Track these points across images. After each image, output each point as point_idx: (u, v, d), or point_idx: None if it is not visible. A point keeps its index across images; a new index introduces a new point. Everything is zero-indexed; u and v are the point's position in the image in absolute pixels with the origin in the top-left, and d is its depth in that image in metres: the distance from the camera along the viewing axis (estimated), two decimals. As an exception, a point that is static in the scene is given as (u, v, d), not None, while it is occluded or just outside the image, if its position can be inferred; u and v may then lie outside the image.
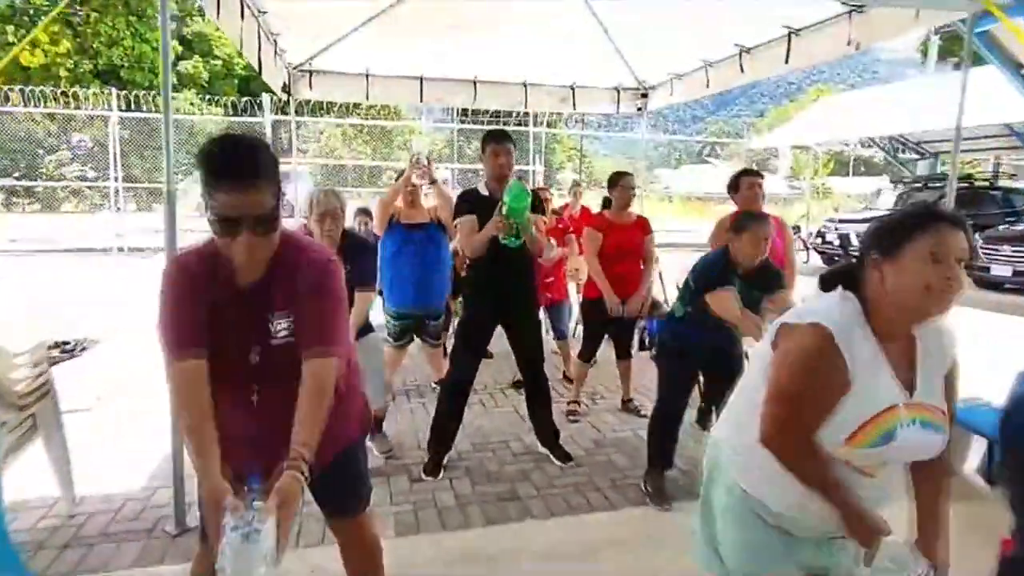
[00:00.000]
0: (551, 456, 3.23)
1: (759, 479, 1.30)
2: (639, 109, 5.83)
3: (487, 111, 11.63)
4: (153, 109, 11.98)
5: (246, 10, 3.37)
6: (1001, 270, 9.10)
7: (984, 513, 1.81)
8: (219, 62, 22.27)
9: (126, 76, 19.94)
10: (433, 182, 3.45)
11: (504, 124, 11.31)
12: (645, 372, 4.57)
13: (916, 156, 15.17)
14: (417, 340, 3.91)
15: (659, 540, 2.57)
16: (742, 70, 4.33)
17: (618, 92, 5.74)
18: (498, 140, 3.01)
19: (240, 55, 3.73)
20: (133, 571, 2.25)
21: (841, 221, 12.15)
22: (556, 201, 6.19)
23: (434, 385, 4.24)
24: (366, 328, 2.93)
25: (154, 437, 3.06)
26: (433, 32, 4.28)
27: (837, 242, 11.68)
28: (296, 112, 5.55)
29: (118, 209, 12.07)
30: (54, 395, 2.54)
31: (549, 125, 14.93)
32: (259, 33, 3.72)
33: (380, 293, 3.77)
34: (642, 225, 3.78)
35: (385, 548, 1.88)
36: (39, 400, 2.42)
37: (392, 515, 2.66)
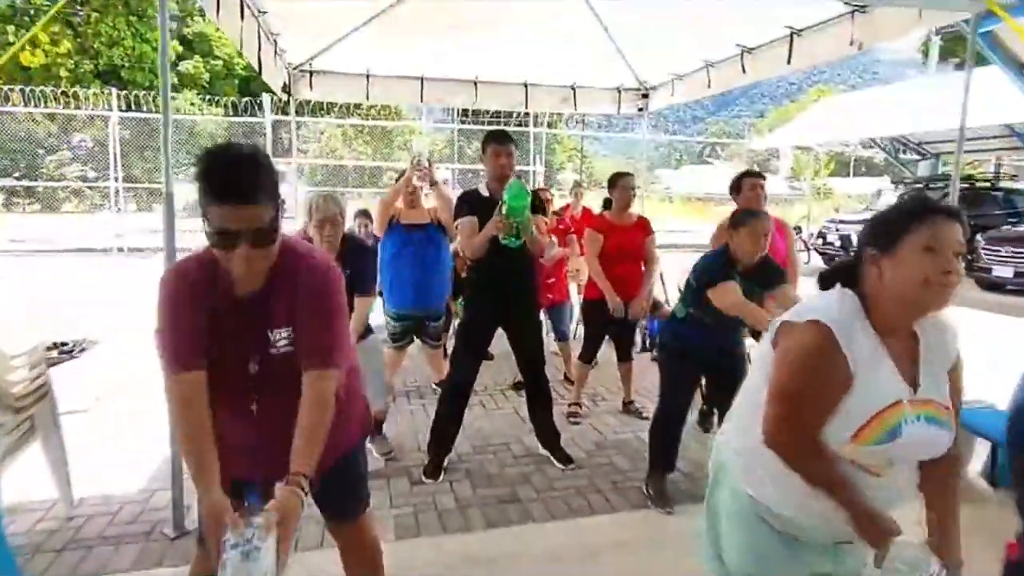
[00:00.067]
0: (552, 458, 3.21)
1: (764, 482, 1.29)
2: (640, 109, 5.81)
3: (487, 111, 11.62)
4: (153, 109, 11.98)
5: (246, 10, 3.36)
6: (1003, 271, 9.07)
7: (988, 516, 1.80)
8: (219, 62, 22.26)
9: (127, 76, 19.94)
10: (434, 184, 3.44)
11: (504, 124, 11.30)
12: (647, 374, 4.56)
13: (917, 157, 15.17)
14: (417, 341, 3.90)
15: (660, 543, 2.55)
16: (744, 70, 4.31)
17: (619, 92, 5.72)
18: (499, 141, 2.99)
19: (240, 55, 3.72)
20: (131, 574, 2.23)
21: (842, 222, 12.14)
22: (557, 202, 6.17)
23: (434, 386, 4.22)
24: (366, 330, 2.91)
25: (153, 438, 3.05)
26: (433, 32, 4.27)
27: (838, 243, 11.66)
28: (296, 112, 5.54)
29: (118, 209, 12.05)
30: (52, 397, 2.53)
31: (550, 126, 14.93)
32: (259, 33, 3.70)
33: (380, 294, 3.76)
34: (643, 226, 3.76)
35: (385, 551, 1.87)
36: (37, 402, 2.41)
37: (392, 518, 2.64)
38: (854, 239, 11.00)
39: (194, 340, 1.38)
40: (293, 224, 5.00)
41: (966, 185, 10.86)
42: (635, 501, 2.85)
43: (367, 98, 5.33)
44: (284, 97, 5.02)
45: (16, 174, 15.96)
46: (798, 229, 12.48)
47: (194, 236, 1.57)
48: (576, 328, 4.99)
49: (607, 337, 3.93)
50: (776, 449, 1.21)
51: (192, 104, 19.19)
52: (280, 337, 1.44)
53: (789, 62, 3.85)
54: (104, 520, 2.55)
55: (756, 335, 3.09)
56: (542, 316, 4.02)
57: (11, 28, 18.26)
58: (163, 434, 2.52)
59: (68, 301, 6.81)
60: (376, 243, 3.73)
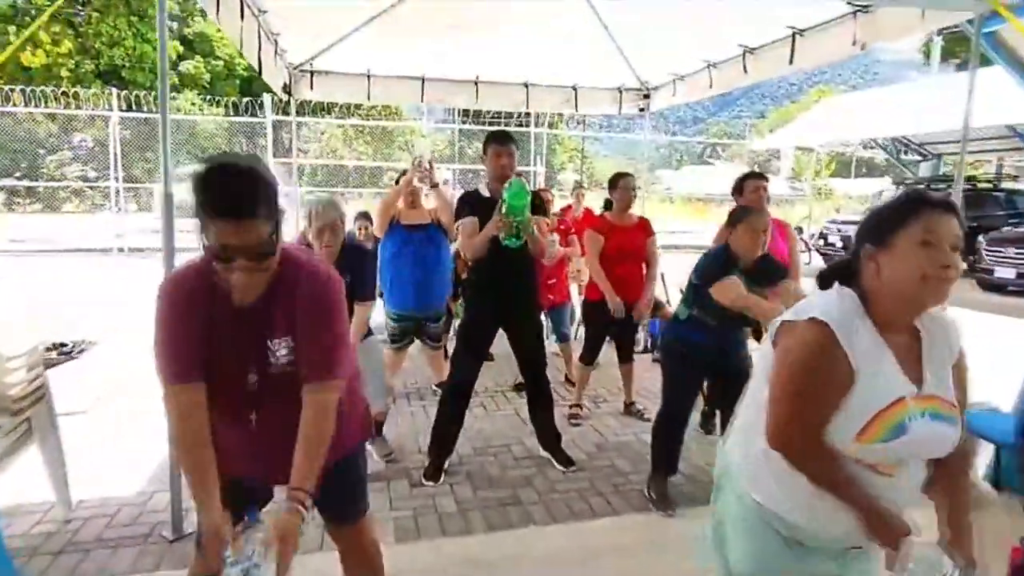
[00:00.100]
0: (553, 460, 3.20)
1: (770, 487, 1.27)
2: (641, 110, 5.79)
3: (488, 112, 11.61)
4: (154, 109, 11.96)
5: (246, 9, 3.34)
6: (1005, 272, 9.06)
7: (992, 519, 1.78)
8: (220, 62, 22.25)
9: (127, 76, 19.94)
10: (435, 185, 3.43)
11: (505, 125, 11.28)
12: (648, 375, 4.54)
13: (919, 157, 15.14)
14: (417, 342, 3.89)
15: (662, 546, 2.54)
16: (746, 71, 4.29)
17: (620, 93, 5.71)
18: (500, 141, 2.98)
19: (241, 55, 3.71)
20: (129, 577, 2.22)
21: (843, 222, 12.13)
22: (557, 203, 6.16)
23: (434, 387, 4.21)
24: (366, 332, 2.90)
25: (152, 439, 3.02)
26: (434, 32, 4.25)
27: (840, 243, 11.65)
28: (297, 112, 5.52)
29: (118, 210, 12.05)
30: (49, 399, 2.52)
31: (550, 126, 14.92)
32: (259, 33, 3.69)
33: (380, 295, 3.74)
34: (644, 227, 3.74)
35: (384, 554, 1.85)
36: (34, 404, 2.39)
37: (392, 520, 2.63)
38: (855, 240, 10.99)
39: (192, 352, 1.36)
40: (293, 225, 4.99)
41: (968, 186, 10.84)
42: (636, 504, 2.83)
43: (368, 98, 5.31)
44: (285, 97, 5.01)
45: (17, 174, 15.96)
46: (799, 230, 12.47)
47: (193, 236, 1.55)
48: (577, 329, 4.98)
49: (608, 338, 3.91)
50: (780, 449, 1.20)
51: (193, 104, 19.19)
52: (280, 349, 1.42)
53: (791, 62, 3.83)
54: (102, 522, 2.54)
55: (758, 336, 3.07)
56: (543, 317, 4.01)
57: (12, 28, 18.26)
58: (162, 435, 2.49)
59: (68, 301, 6.81)
60: (376, 244, 3.72)
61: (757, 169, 12.69)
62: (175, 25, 22.11)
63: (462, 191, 3.27)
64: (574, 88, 5.56)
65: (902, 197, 1.21)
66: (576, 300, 4.93)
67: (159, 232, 2.45)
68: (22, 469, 2.46)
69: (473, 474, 3.09)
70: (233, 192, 1.26)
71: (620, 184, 3.68)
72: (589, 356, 3.87)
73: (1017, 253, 8.95)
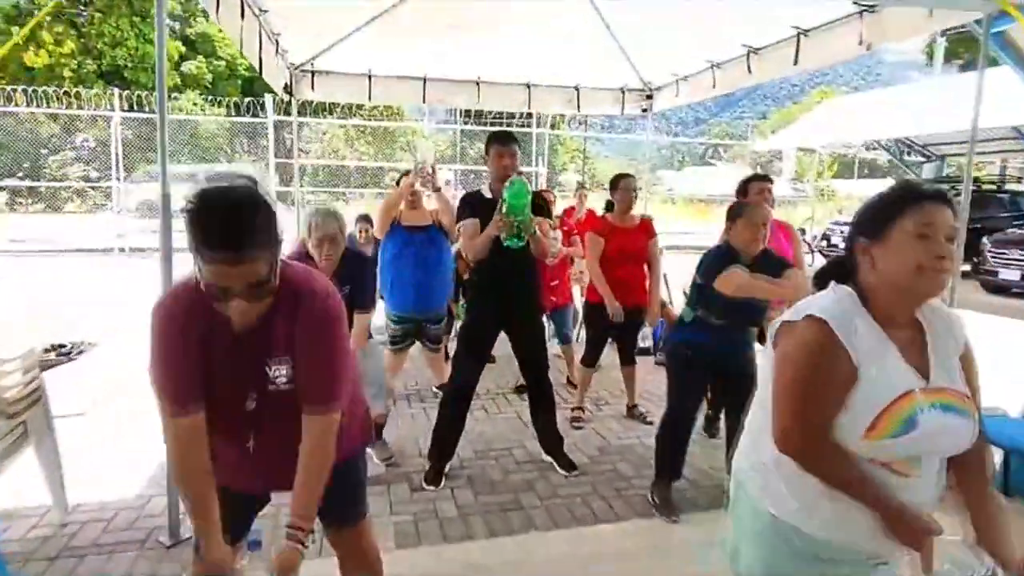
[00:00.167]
0: (555, 465, 3.16)
1: (785, 497, 1.23)
2: (644, 110, 5.76)
3: (490, 112, 11.60)
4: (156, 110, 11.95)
5: (246, 9, 3.32)
6: (1009, 274, 9.01)
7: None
8: (222, 63, 22.27)
9: (130, 76, 19.94)
10: (437, 189, 3.41)
11: (507, 126, 11.27)
12: (651, 378, 4.51)
13: (922, 159, 15.09)
14: (418, 343, 3.86)
15: (665, 551, 2.51)
16: (749, 71, 4.26)
17: (623, 93, 5.68)
18: (502, 142, 2.95)
19: (241, 55, 3.69)
20: (125, 583, 2.19)
21: (846, 224, 12.04)
22: (559, 204, 6.13)
23: (435, 390, 4.18)
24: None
25: (151, 441, 2.98)
26: (435, 32, 4.23)
27: (843, 245, 11.55)
28: (299, 113, 5.50)
29: (119, 210, 12.04)
30: (45, 401, 2.49)
31: (552, 127, 14.90)
32: (260, 32, 3.66)
33: (381, 296, 3.71)
34: (646, 228, 3.71)
35: (384, 560, 1.83)
36: (30, 407, 2.37)
37: (392, 525, 2.60)
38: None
39: (191, 382, 1.33)
40: (293, 225, 4.95)
41: (972, 187, 10.78)
42: (639, 509, 2.80)
43: (369, 99, 5.29)
44: (286, 97, 4.99)
45: (19, 174, 15.97)
46: (802, 231, 12.42)
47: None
48: (579, 331, 4.94)
49: (610, 340, 3.88)
50: (788, 451, 1.17)
51: (195, 104, 19.20)
52: (279, 372, 1.39)
53: (796, 63, 3.79)
54: (99, 527, 2.51)
55: (763, 337, 3.04)
56: (545, 319, 3.98)
57: (15, 28, 18.26)
58: (161, 437, 2.48)
59: (68, 301, 6.79)
60: (377, 246, 3.69)
61: (759, 170, 12.68)
62: (177, 25, 22.13)
63: (464, 192, 3.24)
64: (576, 88, 5.53)
65: (895, 190, 1.20)
66: (579, 302, 4.90)
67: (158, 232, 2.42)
68: (18, 473, 2.44)
69: (474, 478, 3.05)
70: (229, 233, 1.19)
71: (621, 185, 3.65)
72: (590, 358, 3.84)
73: (1021, 255, 8.90)
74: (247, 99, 13.37)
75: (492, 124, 11.63)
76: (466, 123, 14.06)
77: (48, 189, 16.42)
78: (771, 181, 3.24)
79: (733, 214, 2.59)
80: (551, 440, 3.22)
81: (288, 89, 4.85)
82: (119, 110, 11.68)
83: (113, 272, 9.35)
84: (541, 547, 2.50)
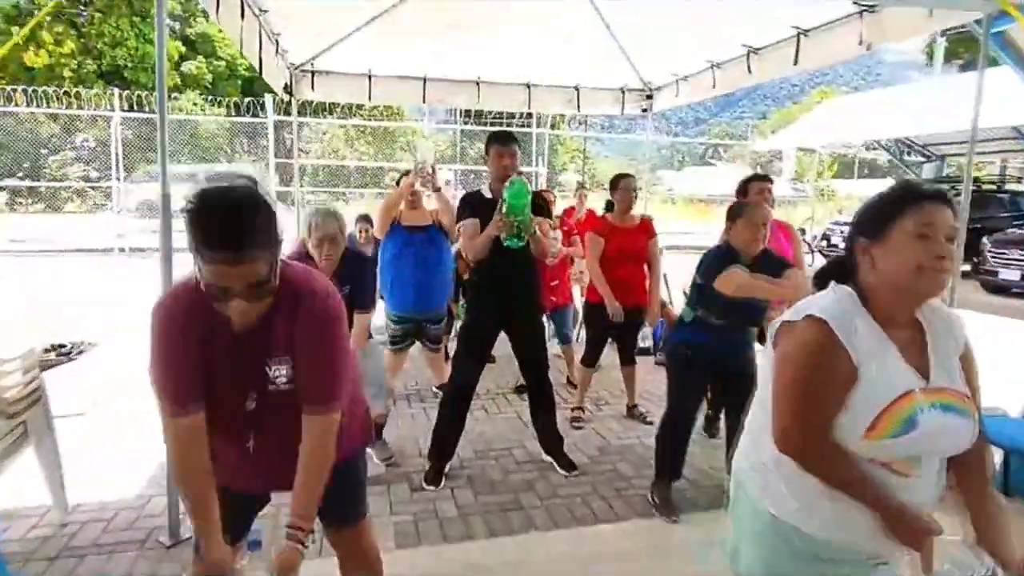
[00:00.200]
0: (555, 465, 3.16)
1: (785, 497, 1.23)
2: (644, 111, 5.76)
3: (490, 112, 11.59)
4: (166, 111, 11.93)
5: (246, 9, 3.31)
6: (1009, 274, 9.00)
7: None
8: (222, 63, 22.27)
9: (130, 77, 19.94)
10: (436, 189, 3.41)
11: (507, 126, 11.27)
12: (651, 377, 4.51)
13: (922, 159, 15.09)
14: (418, 343, 3.86)
15: (665, 551, 2.51)
16: (750, 71, 4.26)
17: (623, 93, 5.68)
18: (503, 142, 2.95)
19: (242, 55, 3.69)
20: (125, 583, 2.19)
21: (846, 224, 12.04)
22: (559, 204, 6.13)
23: (435, 390, 4.18)
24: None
25: (151, 440, 2.98)
26: (435, 32, 4.22)
27: (843, 245, 11.55)
28: (299, 113, 5.50)
29: (119, 210, 12.04)
30: (45, 401, 2.49)
31: (552, 127, 14.90)
32: (260, 32, 3.66)
33: (381, 296, 3.71)
34: (646, 228, 3.71)
35: (384, 560, 1.83)
36: (30, 407, 2.37)
37: (392, 525, 2.60)
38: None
39: (191, 383, 1.33)
40: (293, 226, 4.94)
41: (972, 188, 10.77)
42: (639, 509, 2.80)
43: (369, 99, 5.29)
44: (286, 97, 4.99)
45: (19, 174, 15.97)
46: (802, 231, 12.41)
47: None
48: (579, 331, 4.94)
49: (610, 340, 3.88)
50: (787, 451, 1.17)
51: (195, 104, 19.19)
52: (279, 372, 1.39)
53: (796, 63, 3.79)
54: (99, 527, 2.51)
55: (763, 337, 3.04)
56: (545, 319, 3.98)
57: (16, 29, 18.26)
58: (161, 436, 2.48)
59: (69, 301, 6.79)
60: (377, 246, 3.69)
61: (759, 170, 12.67)
62: (177, 26, 22.12)
63: (464, 192, 3.24)
64: (576, 88, 5.53)
65: (895, 189, 1.20)
66: (579, 302, 4.89)
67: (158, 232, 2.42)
68: (18, 473, 2.44)
69: (474, 478, 3.05)
70: (229, 233, 1.19)
71: (621, 185, 3.65)
72: (590, 358, 3.84)
73: (1021, 255, 8.89)
74: (247, 99, 13.37)
75: (492, 124, 11.63)
76: (466, 123, 14.05)
77: (48, 189, 16.42)
78: (771, 181, 3.24)
79: (733, 214, 2.59)
80: (551, 440, 3.22)
81: (288, 89, 4.84)
82: (119, 110, 11.68)
83: (113, 272, 9.35)
84: (541, 547, 2.50)
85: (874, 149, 17.89)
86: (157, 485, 2.76)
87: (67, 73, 19.02)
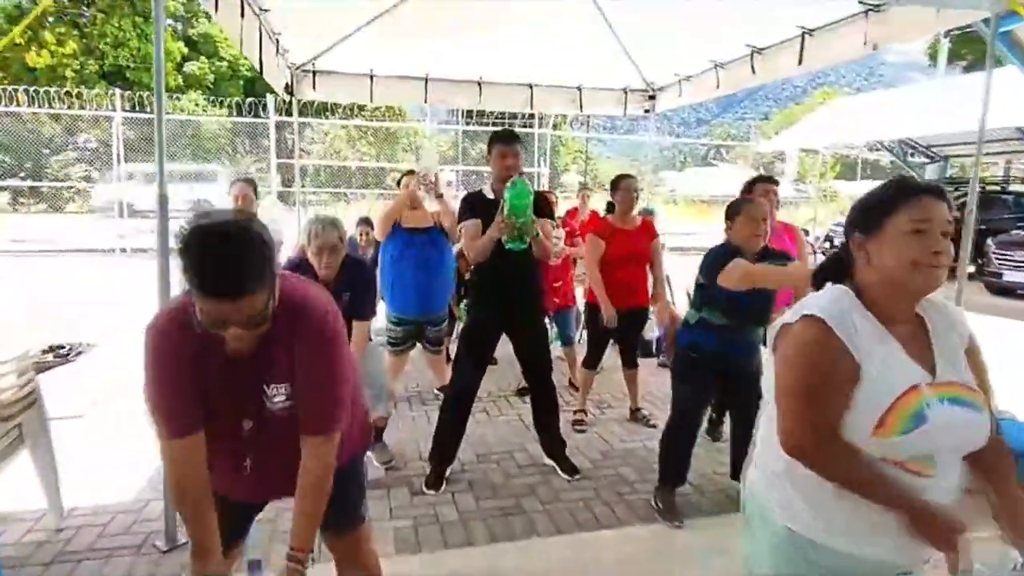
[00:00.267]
0: (557, 469, 3.13)
1: (800, 508, 1.19)
2: (647, 111, 5.73)
3: (492, 113, 11.56)
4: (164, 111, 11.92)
5: (246, 8, 3.29)
6: (1014, 276, 8.96)
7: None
8: (224, 63, 22.29)
9: (132, 77, 19.96)
10: (439, 196, 3.38)
11: (509, 126, 11.23)
12: (653, 380, 4.47)
13: (926, 160, 15.03)
14: (419, 345, 3.83)
15: (668, 557, 2.48)
16: (753, 71, 4.22)
17: (625, 93, 5.65)
18: (506, 141, 2.91)
19: (242, 54, 3.68)
20: (121, 589, 2.16)
21: (849, 225, 12.00)
22: (561, 204, 6.10)
23: (436, 391, 4.15)
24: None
25: (149, 443, 2.96)
26: (437, 32, 4.20)
27: (845, 244, 11.53)
28: (300, 113, 5.48)
29: (120, 211, 12.02)
30: (41, 404, 2.46)
31: (554, 127, 14.89)
32: (260, 32, 3.64)
33: (381, 297, 3.69)
34: (647, 229, 3.68)
35: (383, 566, 1.81)
36: (25, 410, 2.34)
37: (392, 530, 2.56)
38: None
39: (186, 405, 1.30)
40: (294, 226, 4.93)
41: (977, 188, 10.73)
42: (643, 514, 2.76)
43: (371, 99, 5.27)
44: (287, 98, 4.96)
45: (21, 174, 15.98)
46: (805, 232, 12.36)
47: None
48: (581, 333, 4.91)
49: (612, 342, 3.85)
50: (795, 454, 1.14)
51: (197, 105, 19.20)
52: (277, 394, 1.36)
53: (800, 63, 3.76)
54: (94, 531, 2.48)
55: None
56: (548, 321, 3.94)
57: (17, 29, 18.29)
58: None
59: (69, 301, 6.77)
60: (377, 248, 3.67)
61: (762, 171, 12.63)
62: (179, 26, 22.14)
63: (466, 193, 3.21)
64: (579, 89, 5.50)
65: (890, 184, 1.19)
66: (582, 303, 4.86)
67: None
68: (13, 476, 2.41)
69: (475, 482, 3.02)
70: (225, 270, 1.15)
71: (622, 186, 3.62)
72: (592, 360, 3.81)
73: (1027, 256, 8.85)
74: (249, 99, 13.36)
75: (494, 125, 11.60)
76: (468, 124, 14.02)
77: (50, 189, 16.43)
78: (776, 183, 3.20)
79: (732, 212, 2.56)
80: (554, 444, 3.18)
81: (289, 89, 4.82)
82: (120, 110, 11.68)
83: (114, 272, 9.33)
84: (543, 553, 2.46)
85: (877, 150, 17.83)
86: (154, 489, 2.73)
87: (69, 73, 19.05)
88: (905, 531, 1.08)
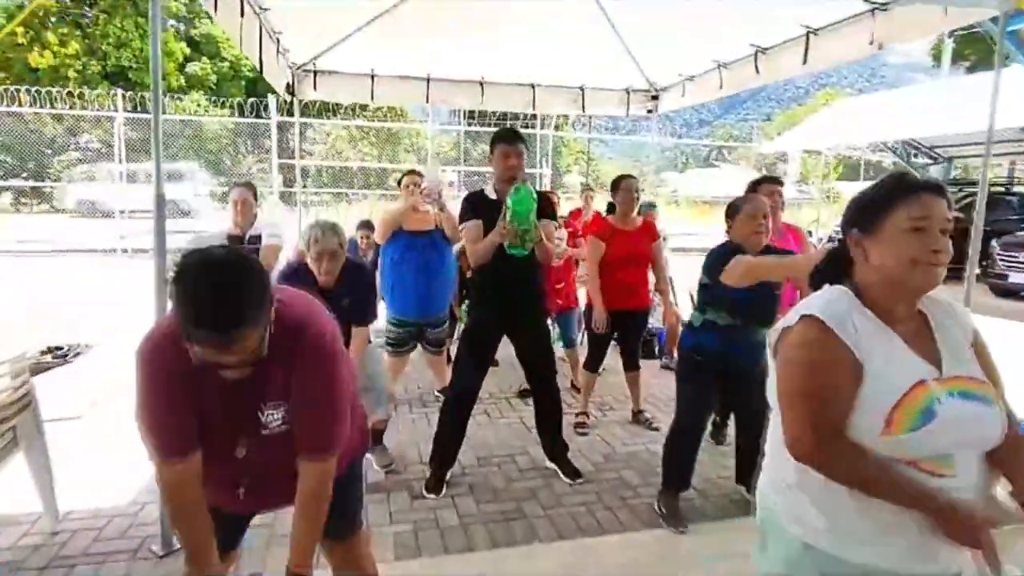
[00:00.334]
0: (559, 472, 3.09)
1: (813, 518, 1.15)
2: (649, 111, 5.70)
3: (494, 113, 11.54)
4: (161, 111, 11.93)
5: (246, 7, 3.26)
6: (1018, 277, 8.91)
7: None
8: (226, 64, 22.32)
9: (134, 78, 19.98)
10: (442, 208, 3.36)
11: (511, 127, 11.20)
12: (656, 382, 4.44)
13: (929, 161, 14.98)
14: (419, 346, 3.80)
15: (672, 562, 2.44)
16: (757, 71, 4.19)
17: (628, 94, 5.62)
18: (508, 140, 2.86)
19: (242, 54, 3.66)
20: (116, 594, 2.13)
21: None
22: (564, 205, 6.08)
23: (437, 393, 4.11)
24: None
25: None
26: (438, 32, 4.18)
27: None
28: (302, 114, 5.46)
29: (121, 212, 12.02)
30: (35, 406, 2.43)
31: (557, 128, 14.86)
32: (260, 31, 3.61)
33: (381, 298, 3.66)
34: (649, 230, 3.64)
35: (382, 572, 1.78)
36: (19, 412, 2.31)
37: (392, 535, 2.53)
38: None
39: (180, 427, 1.27)
40: (295, 226, 4.90)
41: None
42: (646, 519, 2.72)
43: (372, 98, 5.25)
44: (288, 97, 4.94)
45: (24, 175, 15.99)
46: (809, 233, 12.31)
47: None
48: (583, 335, 4.87)
49: (613, 343, 3.81)
50: (802, 458, 1.11)
51: (199, 105, 19.22)
52: (273, 416, 1.32)
53: (805, 62, 3.73)
54: (90, 535, 2.45)
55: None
56: (550, 322, 3.91)
57: (20, 29, 18.31)
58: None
59: (70, 302, 6.75)
60: (378, 252, 3.65)
61: (764, 172, 12.58)
62: (181, 27, 22.17)
63: (466, 193, 3.18)
64: (581, 89, 5.48)
65: (889, 181, 1.16)
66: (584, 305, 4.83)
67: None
68: (8, 479, 2.38)
69: (476, 486, 2.98)
70: (219, 312, 1.11)
71: (623, 186, 3.58)
72: (593, 362, 3.77)
73: (1032, 258, 8.79)
74: (251, 99, 13.36)
75: (496, 125, 11.57)
76: (470, 124, 14.00)
77: (52, 190, 16.45)
78: (781, 183, 3.15)
79: (732, 211, 2.52)
80: (556, 447, 3.14)
81: (290, 89, 4.80)
82: (122, 111, 11.67)
83: (115, 272, 9.32)
84: (544, 559, 2.42)
85: (880, 151, 17.77)
86: (151, 492, 2.69)
87: (72, 74, 19.09)
88: (924, 531, 1.04)
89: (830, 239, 12.44)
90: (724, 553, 2.39)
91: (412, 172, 3.67)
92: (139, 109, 12.07)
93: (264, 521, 2.31)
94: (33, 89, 11.98)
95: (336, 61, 4.77)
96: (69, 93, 12.60)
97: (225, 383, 1.25)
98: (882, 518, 1.07)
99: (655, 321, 4.86)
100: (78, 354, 4.65)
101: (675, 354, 3.41)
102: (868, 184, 1.24)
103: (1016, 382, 1.92)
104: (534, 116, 12.38)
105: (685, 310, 3.56)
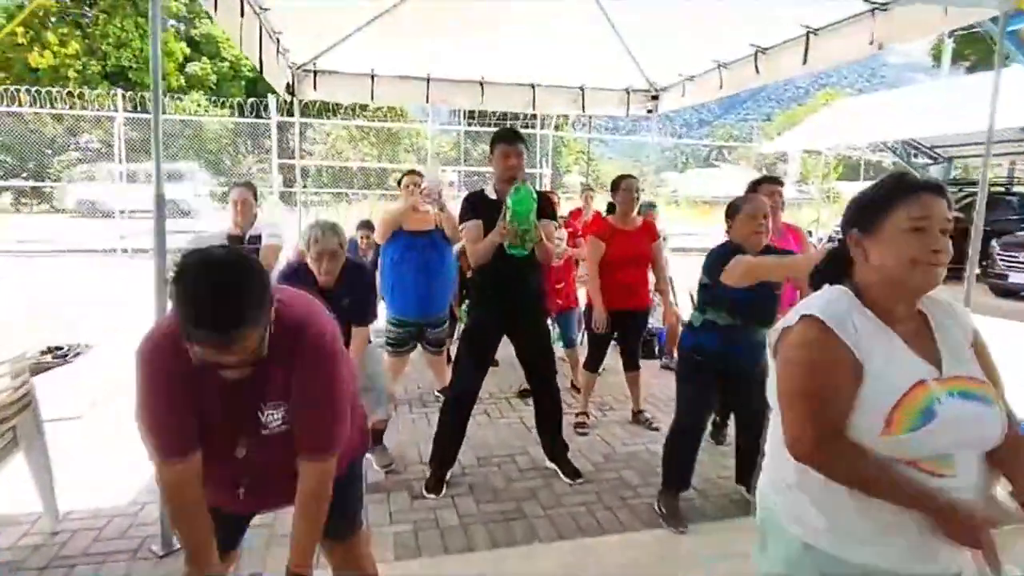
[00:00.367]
0: (559, 472, 3.09)
1: (813, 518, 1.15)
2: (649, 111, 5.70)
3: (494, 113, 11.55)
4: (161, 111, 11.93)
5: (246, 7, 3.26)
6: (1018, 277, 8.91)
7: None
8: (226, 64, 22.32)
9: (134, 78, 19.98)
10: (442, 209, 3.36)
11: (511, 127, 11.20)
12: (656, 382, 4.44)
13: (929, 161, 14.97)
14: (419, 346, 3.80)
15: (672, 562, 2.44)
16: (757, 71, 4.19)
17: (628, 94, 5.62)
18: (508, 140, 2.86)
19: (242, 54, 3.66)
20: (116, 594, 2.13)
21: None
22: (564, 205, 6.07)
23: (437, 393, 4.11)
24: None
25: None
26: (438, 32, 4.18)
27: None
28: (302, 114, 5.46)
29: (121, 212, 12.02)
30: (35, 406, 2.43)
31: (557, 128, 14.87)
32: (260, 31, 3.61)
33: (382, 298, 3.66)
34: (649, 230, 3.64)
35: (382, 571, 1.78)
36: (19, 412, 2.31)
37: (392, 535, 2.53)
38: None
39: (180, 427, 1.27)
40: (295, 226, 4.90)
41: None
42: (646, 519, 2.72)
43: (372, 98, 5.25)
44: (288, 97, 4.94)
45: (24, 175, 15.99)
46: (809, 233, 12.30)
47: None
48: (582, 335, 4.87)
49: (613, 343, 3.81)
50: (802, 458, 1.11)
51: (199, 105, 19.22)
52: (274, 416, 1.32)
53: (805, 62, 3.73)
54: (90, 535, 2.45)
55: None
56: (551, 322, 3.91)
57: (20, 29, 18.32)
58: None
59: (70, 302, 6.75)
60: (378, 252, 3.65)
61: (764, 172, 12.58)
62: (181, 27, 22.16)
63: (466, 193, 3.18)
64: (581, 89, 5.48)
65: (888, 181, 1.16)
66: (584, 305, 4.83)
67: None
68: (8, 479, 2.38)
69: (476, 486, 2.98)
70: (219, 312, 1.11)
71: (623, 186, 3.58)
72: (593, 362, 3.77)
73: (1032, 258, 8.79)
74: (251, 99, 13.36)
75: (496, 125, 11.58)
76: (470, 124, 14.00)
77: (52, 189, 16.45)
78: (781, 184, 3.15)
79: (731, 211, 2.51)
80: (557, 447, 3.14)
81: (290, 89, 4.80)
82: (122, 111, 11.68)
83: (114, 272, 9.32)
84: (545, 559, 2.42)
85: (880, 151, 17.77)
86: (151, 492, 2.69)
87: (72, 74, 19.09)
88: (924, 531, 1.04)
89: (830, 239, 12.44)
90: (724, 553, 2.39)
91: (412, 172, 3.67)
92: (139, 109, 12.07)
93: (264, 521, 2.31)
94: (33, 89, 11.98)
95: (336, 61, 4.76)
96: (69, 93, 12.60)
97: (225, 383, 1.25)
98: (882, 518, 1.08)
99: (655, 321, 4.87)
100: (78, 354, 4.65)
101: (675, 354, 3.41)
102: (868, 184, 1.24)
103: (1016, 382, 1.92)
104: (534, 116, 12.38)
105: (685, 310, 3.56)
